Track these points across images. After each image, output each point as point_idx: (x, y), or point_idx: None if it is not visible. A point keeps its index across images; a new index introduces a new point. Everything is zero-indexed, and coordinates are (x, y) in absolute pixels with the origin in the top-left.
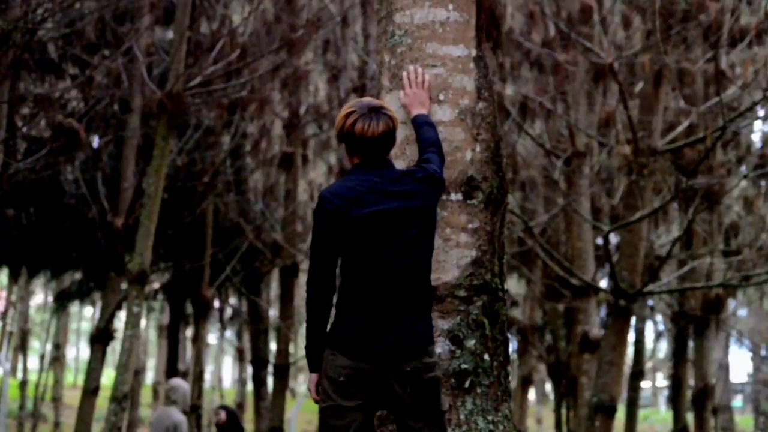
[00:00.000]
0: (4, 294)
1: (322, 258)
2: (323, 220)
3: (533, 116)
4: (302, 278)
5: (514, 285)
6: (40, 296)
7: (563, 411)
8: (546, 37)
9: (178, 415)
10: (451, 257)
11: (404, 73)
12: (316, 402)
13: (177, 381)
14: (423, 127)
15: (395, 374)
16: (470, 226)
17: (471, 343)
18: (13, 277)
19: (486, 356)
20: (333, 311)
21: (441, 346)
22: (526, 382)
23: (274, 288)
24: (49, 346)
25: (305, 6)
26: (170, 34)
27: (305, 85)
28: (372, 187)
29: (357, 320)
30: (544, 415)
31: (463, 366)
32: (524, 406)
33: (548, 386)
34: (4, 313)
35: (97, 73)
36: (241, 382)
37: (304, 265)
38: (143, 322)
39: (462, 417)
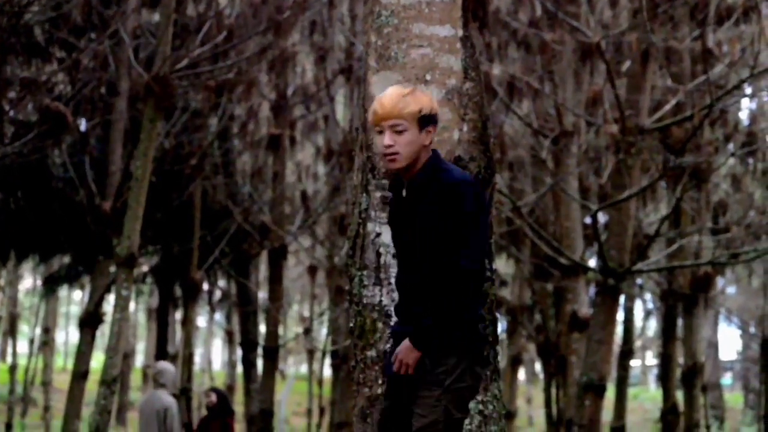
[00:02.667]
0: None
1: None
2: (481, 204)
3: (520, 96)
4: (291, 260)
5: (502, 265)
6: (28, 280)
7: (553, 390)
8: (533, 16)
9: (167, 398)
10: None
11: None
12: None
13: (164, 364)
14: None
15: None
16: None
17: None
18: (1, 262)
19: None
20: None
21: None
22: (515, 361)
23: (262, 270)
24: (38, 331)
25: None
26: (157, 17)
27: (292, 67)
28: None
29: (482, 321)
30: (533, 394)
31: None
32: (514, 386)
33: (538, 366)
34: None
35: (83, 57)
36: (231, 364)
37: (293, 247)
38: (132, 306)
39: None
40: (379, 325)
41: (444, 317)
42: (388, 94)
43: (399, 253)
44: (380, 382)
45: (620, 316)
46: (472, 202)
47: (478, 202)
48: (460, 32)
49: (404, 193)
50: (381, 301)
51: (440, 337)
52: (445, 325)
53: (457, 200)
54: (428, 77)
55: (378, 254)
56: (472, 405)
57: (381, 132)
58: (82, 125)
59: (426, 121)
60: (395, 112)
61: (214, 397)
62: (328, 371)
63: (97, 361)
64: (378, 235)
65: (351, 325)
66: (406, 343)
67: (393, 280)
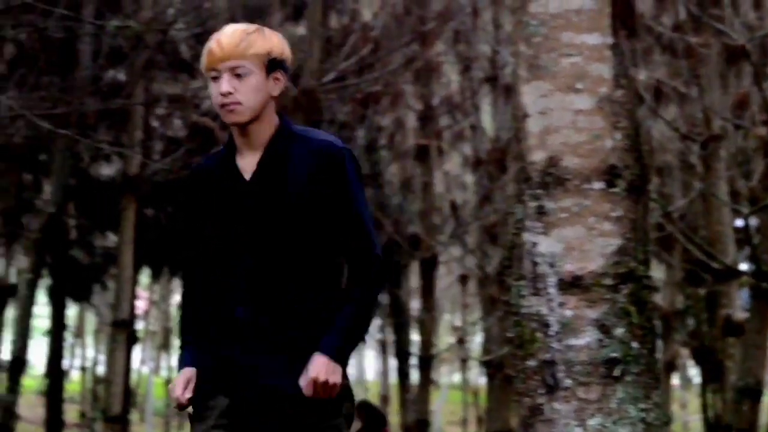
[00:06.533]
0: (145, 294)
1: None
2: (361, 174)
3: (667, 101)
4: (442, 270)
5: (653, 270)
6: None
7: (708, 395)
8: (677, 20)
9: None
10: (596, 246)
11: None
12: None
13: None
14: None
15: None
16: (613, 214)
17: (619, 331)
18: (155, 277)
19: (634, 344)
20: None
21: (589, 335)
22: (669, 367)
23: (413, 280)
24: None
25: None
26: (300, 30)
27: (437, 77)
28: None
29: None
30: (688, 399)
31: (612, 354)
32: (668, 392)
33: (692, 371)
34: (147, 313)
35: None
36: (385, 374)
37: (444, 257)
38: None
39: (613, 405)
40: (539, 335)
41: (358, 326)
42: (229, 32)
43: (233, 247)
44: (541, 391)
45: None
46: (358, 172)
47: (360, 172)
48: (610, 40)
49: (241, 166)
50: (539, 311)
51: (352, 349)
52: (360, 331)
53: (342, 168)
54: (579, 86)
55: (534, 264)
56: (633, 413)
57: (216, 78)
58: None
59: (274, 65)
60: (237, 51)
61: (358, 424)
62: (482, 380)
63: None
64: (534, 245)
65: (511, 335)
66: (320, 361)
67: (551, 290)
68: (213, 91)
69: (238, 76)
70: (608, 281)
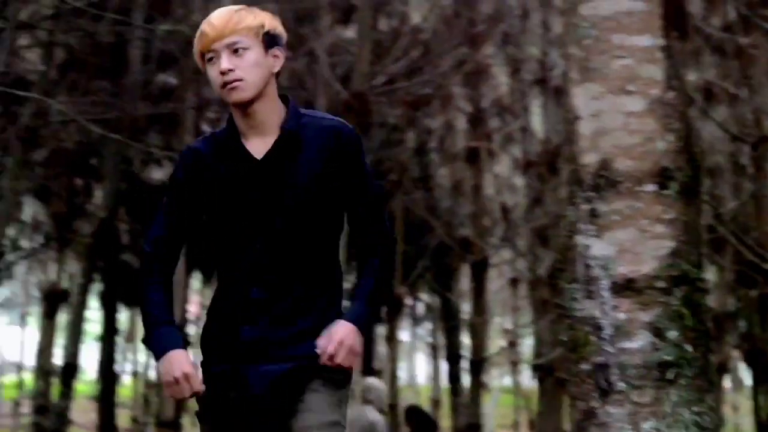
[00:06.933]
0: (197, 298)
1: None
2: None
3: (717, 102)
4: (492, 273)
5: (705, 273)
6: None
7: (760, 397)
8: (726, 21)
9: (374, 415)
10: (649, 248)
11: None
12: None
13: (372, 381)
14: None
15: None
16: (666, 216)
17: (672, 334)
18: (206, 281)
19: (688, 347)
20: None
21: (642, 338)
22: (720, 369)
23: (463, 283)
24: None
25: (484, 0)
26: (349, 33)
27: (487, 79)
28: None
29: None
30: (740, 402)
31: (666, 357)
32: (720, 394)
33: (744, 373)
34: (198, 317)
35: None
36: (436, 378)
37: (495, 260)
38: None
39: (667, 409)
40: (592, 338)
41: (379, 297)
42: (217, 13)
43: (244, 228)
44: (595, 395)
45: None
46: (365, 153)
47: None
48: (661, 42)
49: (248, 147)
50: (592, 314)
51: (374, 322)
52: (378, 306)
53: (358, 149)
54: (631, 88)
55: (587, 267)
56: (687, 416)
57: (213, 60)
58: None
59: (272, 40)
60: (229, 27)
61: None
62: (533, 383)
63: None
64: (587, 247)
65: (564, 338)
66: (347, 326)
67: (604, 293)
68: (212, 73)
69: (236, 52)
70: (661, 284)
